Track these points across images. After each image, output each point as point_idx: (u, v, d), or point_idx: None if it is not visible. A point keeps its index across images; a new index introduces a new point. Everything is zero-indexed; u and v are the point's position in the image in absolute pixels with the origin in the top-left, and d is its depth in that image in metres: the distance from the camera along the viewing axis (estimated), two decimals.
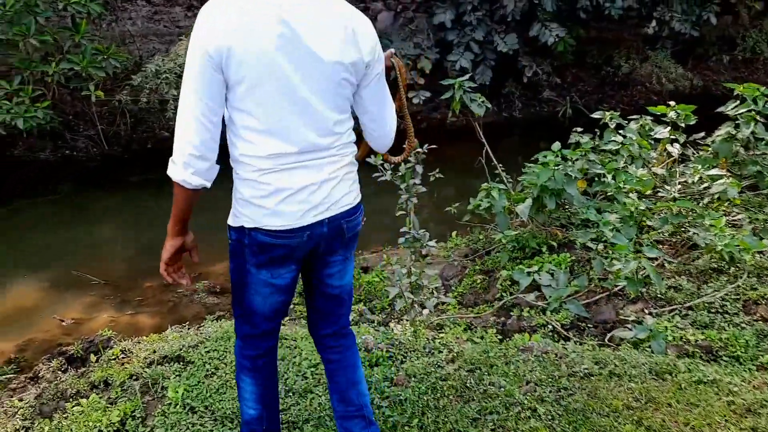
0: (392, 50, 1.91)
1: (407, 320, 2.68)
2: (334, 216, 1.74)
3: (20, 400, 2.63)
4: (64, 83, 6.34)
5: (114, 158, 7.51)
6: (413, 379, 2.30)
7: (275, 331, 1.92)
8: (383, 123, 1.84)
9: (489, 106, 3.97)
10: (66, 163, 7.33)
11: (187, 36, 6.62)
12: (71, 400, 2.55)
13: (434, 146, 2.58)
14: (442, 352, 2.52)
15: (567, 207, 4.28)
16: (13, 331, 3.73)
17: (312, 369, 2.54)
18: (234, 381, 2.52)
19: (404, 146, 2.04)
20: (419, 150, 2.54)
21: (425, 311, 2.57)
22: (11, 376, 3.20)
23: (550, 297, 3.30)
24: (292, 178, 1.65)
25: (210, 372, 2.59)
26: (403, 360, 2.45)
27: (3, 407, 2.59)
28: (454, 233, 4.49)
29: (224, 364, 2.62)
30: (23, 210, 6.18)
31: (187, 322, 3.79)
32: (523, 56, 8.49)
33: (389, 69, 1.89)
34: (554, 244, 3.90)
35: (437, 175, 4.80)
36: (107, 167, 7.34)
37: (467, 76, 3.90)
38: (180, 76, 6.32)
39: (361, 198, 1.85)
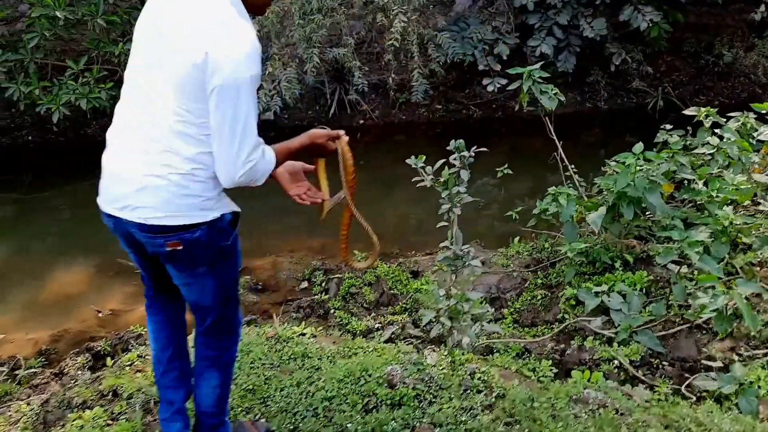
0: (341, 131, 1.88)
1: (445, 349, 2.34)
2: (127, 221, 1.71)
3: (27, 404, 2.49)
4: None
5: None
6: (438, 429, 1.96)
7: (153, 297, 2.02)
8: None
9: (562, 99, 3.52)
10: None
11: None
12: (76, 410, 2.38)
13: (484, 149, 2.20)
14: (481, 392, 2.16)
15: (648, 215, 3.76)
16: (51, 320, 3.66)
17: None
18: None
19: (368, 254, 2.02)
20: (465, 153, 2.16)
21: (465, 340, 2.21)
22: (37, 370, 3.10)
23: (620, 325, 2.85)
24: (108, 160, 1.75)
25: None
26: (432, 401, 2.11)
27: (10, 411, 2.45)
28: (516, 239, 4.07)
29: (234, 384, 2.37)
30: (85, 191, 6.22)
31: None
32: (612, 42, 7.79)
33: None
34: (630, 258, 3.42)
35: (505, 171, 4.40)
36: None
37: (538, 65, 3.46)
38: None
39: (192, 233, 1.69)
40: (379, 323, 3.39)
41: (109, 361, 2.77)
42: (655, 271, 3.30)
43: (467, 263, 2.19)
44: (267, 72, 5.94)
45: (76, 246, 4.75)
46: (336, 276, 3.95)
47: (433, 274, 3.81)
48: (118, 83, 7.03)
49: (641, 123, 7.90)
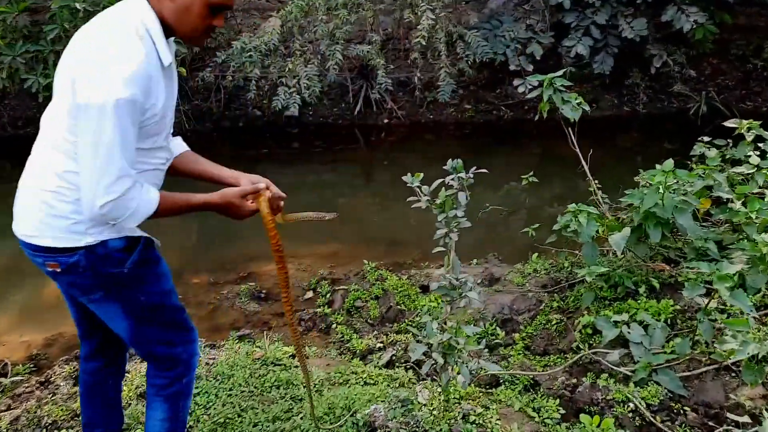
0: (263, 185, 1.79)
1: (439, 386, 2.13)
2: (19, 237, 1.68)
3: None
4: None
5: (203, 135, 7.42)
6: None
7: (88, 356, 1.96)
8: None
9: (587, 108, 3.25)
10: None
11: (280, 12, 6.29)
12: (45, 431, 2.25)
13: (483, 170, 1.98)
14: None
15: (678, 236, 3.47)
16: (47, 322, 3.56)
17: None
18: None
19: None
20: (463, 175, 1.94)
21: (460, 379, 2.00)
22: (24, 378, 3.00)
23: (639, 361, 2.59)
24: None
25: (192, 422, 2.19)
26: None
27: None
28: (535, 255, 3.81)
29: (206, 415, 2.20)
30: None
31: (221, 333, 3.46)
32: (653, 44, 7.40)
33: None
34: (656, 284, 3.14)
35: (530, 179, 4.15)
36: (196, 143, 7.24)
37: (560, 72, 3.20)
38: (265, 55, 6.00)
39: (69, 257, 1.62)
40: (381, 342, 3.19)
41: None
42: (682, 300, 3.02)
43: (464, 294, 1.98)
44: (287, 68, 5.78)
45: None
46: (342, 288, 3.77)
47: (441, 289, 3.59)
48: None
49: (682, 128, 7.50)
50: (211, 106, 7.56)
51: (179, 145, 1.92)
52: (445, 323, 2.06)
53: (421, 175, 2.13)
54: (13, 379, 2.93)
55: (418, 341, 2.03)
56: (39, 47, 5.64)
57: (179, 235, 4.96)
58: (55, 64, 5.77)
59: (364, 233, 5.02)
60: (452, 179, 1.96)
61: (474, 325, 3.23)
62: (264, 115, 7.53)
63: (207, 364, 2.73)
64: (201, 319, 3.64)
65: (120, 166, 1.51)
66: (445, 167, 2.00)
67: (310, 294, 3.84)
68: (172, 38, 1.68)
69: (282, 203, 1.89)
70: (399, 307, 3.54)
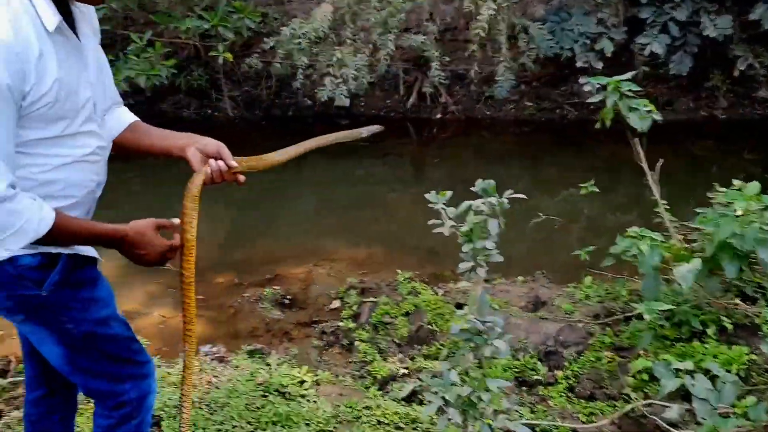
0: (175, 221, 1.54)
1: None
2: None
3: None
4: (199, 41, 6.07)
5: (252, 122, 7.27)
6: None
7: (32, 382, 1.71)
8: None
9: (658, 117, 2.82)
10: (206, 122, 7.22)
11: None
12: None
13: (521, 196, 1.62)
14: None
15: (757, 267, 2.99)
16: None
17: None
18: None
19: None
20: (495, 200, 1.59)
21: None
22: (21, 378, 2.83)
23: (703, 423, 2.18)
24: None
25: None
26: None
27: None
28: (588, 279, 3.40)
29: None
30: (153, 168, 6.11)
31: (236, 342, 3.23)
32: (737, 44, 6.73)
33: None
34: (728, 324, 2.71)
35: (590, 188, 3.73)
36: (244, 131, 7.12)
37: (630, 74, 2.78)
38: (315, 42, 5.74)
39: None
40: (406, 368, 2.88)
41: None
42: (760, 348, 2.57)
43: (490, 342, 1.65)
44: (335, 58, 5.49)
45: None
46: (370, 299, 3.47)
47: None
48: (182, 61, 6.94)
49: (765, 137, 6.83)
50: (261, 94, 7.39)
51: (122, 119, 1.63)
52: (467, 373, 1.73)
53: (448, 194, 1.79)
54: (12, 379, 2.77)
55: (433, 392, 1.71)
56: None
57: (207, 229, 4.76)
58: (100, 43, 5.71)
59: (404, 237, 4.70)
60: (483, 203, 1.61)
61: (513, 357, 2.88)
62: (314, 104, 7.30)
63: (209, 383, 2.49)
64: (219, 324, 3.43)
65: None
66: (473, 188, 1.65)
67: (336, 303, 3.56)
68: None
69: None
70: (430, 327, 3.21)
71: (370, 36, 5.85)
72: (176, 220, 1.52)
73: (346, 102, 6.80)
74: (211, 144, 1.57)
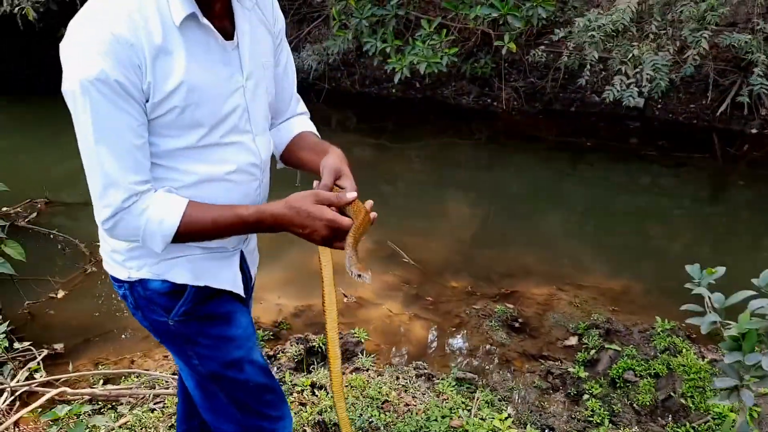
0: (352, 194, 1.23)
1: None
2: None
3: None
4: (486, 29, 5.89)
5: (529, 115, 6.91)
6: None
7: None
8: None
9: None
10: (482, 111, 7.09)
11: None
12: None
13: None
14: None
15: None
16: (305, 289, 3.58)
17: None
18: None
19: None
20: None
21: None
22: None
23: None
24: None
25: None
26: None
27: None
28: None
29: None
30: (431, 150, 6.24)
31: (453, 359, 3.04)
32: None
33: None
34: None
35: None
36: (520, 123, 6.82)
37: None
38: (611, 36, 5.14)
39: (119, 287, 1.35)
40: None
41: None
42: None
43: None
44: (631, 55, 4.83)
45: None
46: (614, 346, 2.95)
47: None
48: (468, 49, 6.83)
49: None
50: (545, 86, 6.97)
51: (288, 130, 1.45)
52: None
53: (719, 271, 1.29)
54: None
55: None
56: (384, 11, 5.77)
57: (455, 224, 4.62)
58: (394, 29, 5.90)
59: (677, 273, 3.93)
60: None
61: None
62: (602, 102, 6.64)
63: (407, 405, 2.33)
64: (440, 334, 3.25)
65: (105, 173, 1.11)
66: None
67: (572, 341, 3.12)
68: None
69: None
70: (683, 400, 2.60)
71: (679, 31, 5.01)
72: (351, 195, 1.22)
73: (639, 102, 6.03)
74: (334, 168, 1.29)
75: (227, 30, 1.22)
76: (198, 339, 1.35)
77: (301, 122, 1.48)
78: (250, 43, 1.26)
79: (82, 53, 1.07)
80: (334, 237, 1.17)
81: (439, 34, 5.43)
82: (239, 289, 1.41)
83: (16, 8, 5.59)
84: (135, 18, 1.08)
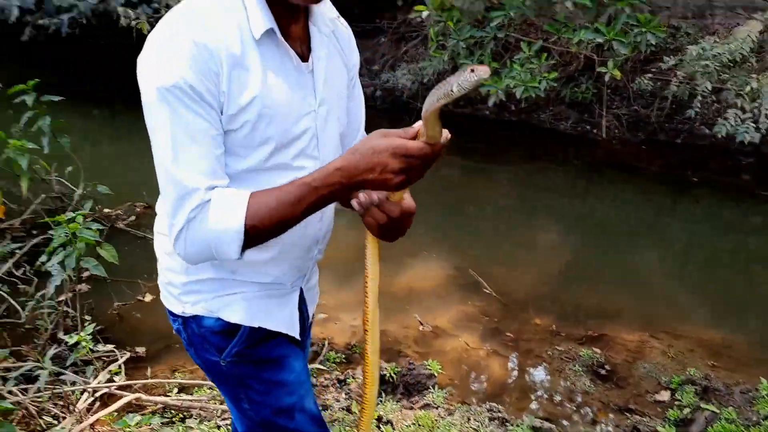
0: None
1: None
2: None
3: None
4: (589, 54, 5.65)
5: (630, 145, 6.57)
6: None
7: None
8: None
9: None
10: (581, 138, 6.81)
11: None
12: None
13: None
14: None
15: None
16: (380, 313, 3.52)
17: None
18: None
19: None
20: None
21: None
22: (328, 367, 2.99)
23: None
24: None
25: None
26: None
27: None
28: None
29: None
30: (523, 175, 6.06)
31: (529, 400, 2.89)
32: None
33: None
34: None
35: None
36: (620, 153, 6.49)
37: None
38: (727, 66, 4.80)
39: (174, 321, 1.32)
40: None
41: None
42: None
43: None
44: (749, 88, 4.47)
45: (450, 236, 4.56)
46: (711, 407, 2.69)
47: None
48: (568, 73, 6.59)
49: None
50: (650, 115, 6.60)
51: None
52: None
53: None
54: (318, 366, 2.95)
55: None
56: (483, 33, 5.67)
57: (544, 254, 4.41)
58: (492, 51, 5.79)
59: None
60: None
61: None
62: (712, 135, 6.21)
63: None
64: (519, 374, 3.10)
65: (180, 180, 1.06)
66: None
67: (664, 396, 2.87)
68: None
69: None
70: None
71: None
72: (417, 124, 1.05)
73: (755, 138, 5.58)
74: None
75: (303, 54, 1.20)
76: (249, 382, 1.31)
77: None
78: (325, 69, 1.23)
79: (160, 62, 1.06)
80: (408, 169, 1.01)
81: (538, 58, 5.26)
82: (295, 332, 1.36)
83: (133, 21, 5.96)
84: (215, 27, 1.08)
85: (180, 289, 1.28)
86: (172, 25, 1.09)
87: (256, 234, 1.08)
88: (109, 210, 4.43)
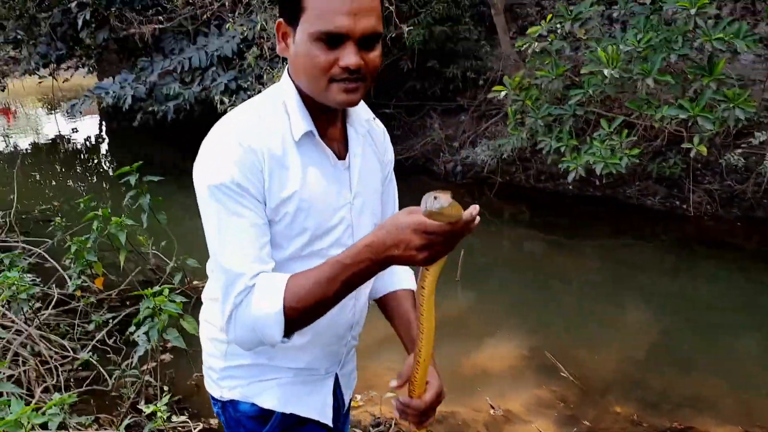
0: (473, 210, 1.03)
1: None
2: None
3: None
4: (675, 130, 5.51)
5: (724, 221, 6.24)
6: None
7: None
8: None
9: None
10: (670, 214, 6.55)
11: None
12: None
13: None
14: None
15: None
16: (451, 392, 3.45)
17: None
18: None
19: None
20: None
21: None
22: None
23: None
24: None
25: None
26: None
27: None
28: None
29: None
30: (610, 251, 5.88)
31: None
32: None
33: None
34: None
35: None
36: (712, 230, 6.17)
37: None
38: None
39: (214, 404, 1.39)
40: None
41: None
42: None
43: None
44: None
45: (530, 316, 4.44)
46: None
47: None
48: (655, 151, 6.41)
49: None
50: (745, 190, 6.29)
51: (389, 282, 1.45)
52: None
53: None
54: None
55: None
56: (562, 111, 5.68)
57: (623, 337, 4.18)
58: (571, 128, 5.77)
59: None
60: None
61: None
62: None
63: None
64: None
65: (228, 267, 1.15)
66: None
67: None
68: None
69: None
70: None
71: None
72: (470, 212, 1.03)
73: None
74: None
75: (340, 152, 1.30)
76: None
77: (400, 276, 1.48)
78: (360, 166, 1.32)
79: (211, 163, 1.18)
80: (431, 245, 1.02)
81: (619, 135, 5.19)
82: (326, 419, 1.39)
83: (229, 107, 6.46)
84: (259, 131, 1.19)
85: (219, 374, 1.36)
86: (221, 132, 1.21)
87: (296, 315, 1.12)
88: (197, 282, 4.68)
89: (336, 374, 1.43)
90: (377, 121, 1.42)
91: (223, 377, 1.35)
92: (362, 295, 1.39)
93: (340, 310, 1.27)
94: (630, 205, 6.79)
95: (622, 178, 6.73)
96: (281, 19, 1.19)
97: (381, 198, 1.42)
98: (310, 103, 1.23)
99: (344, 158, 1.31)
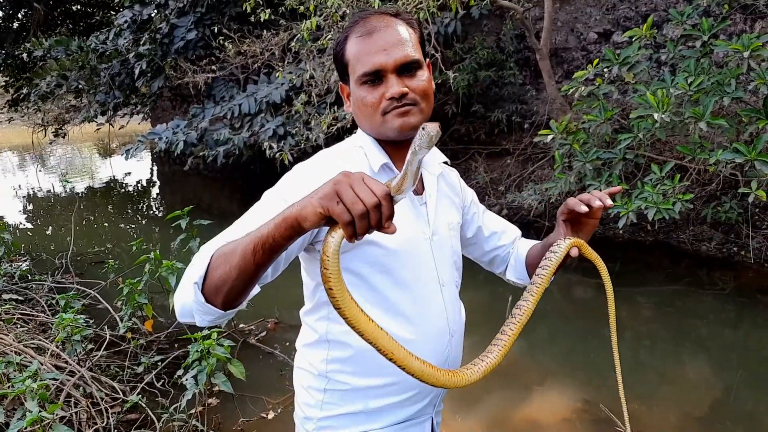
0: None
1: None
2: None
3: None
4: (730, 174, 5.35)
5: None
6: None
7: None
8: None
9: None
10: (726, 261, 6.30)
11: None
12: None
13: None
14: None
15: None
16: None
17: None
18: None
19: None
20: None
21: None
22: None
23: None
24: None
25: None
26: None
27: None
28: None
29: None
30: (663, 297, 5.68)
31: None
32: None
33: None
34: None
35: None
36: None
37: None
38: None
39: None
40: None
41: None
42: None
43: None
44: None
45: (577, 363, 4.28)
46: None
47: None
48: (710, 195, 6.22)
49: None
50: None
51: (517, 254, 1.62)
52: None
53: None
54: None
55: None
56: (611, 154, 5.59)
57: (683, 391, 3.97)
58: (619, 174, 5.66)
59: None
60: None
61: None
62: None
63: None
64: None
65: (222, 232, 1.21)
66: None
67: None
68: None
69: None
70: None
71: None
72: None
73: None
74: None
75: (417, 189, 1.38)
76: None
77: (521, 244, 1.62)
78: (435, 204, 1.39)
79: (284, 181, 1.27)
80: (356, 200, 0.91)
81: (671, 179, 5.06)
82: None
83: (277, 153, 6.59)
84: (341, 164, 1.26)
85: (316, 425, 1.33)
86: (308, 163, 1.30)
87: (212, 274, 1.05)
88: (244, 325, 4.70)
89: (432, 418, 1.42)
90: (450, 166, 1.52)
91: (321, 427, 1.33)
92: (457, 335, 1.42)
93: (433, 347, 1.33)
94: (684, 251, 6.57)
95: (675, 223, 6.56)
96: (341, 82, 1.33)
97: (482, 236, 1.56)
98: (381, 144, 1.33)
99: (421, 194, 1.39)
